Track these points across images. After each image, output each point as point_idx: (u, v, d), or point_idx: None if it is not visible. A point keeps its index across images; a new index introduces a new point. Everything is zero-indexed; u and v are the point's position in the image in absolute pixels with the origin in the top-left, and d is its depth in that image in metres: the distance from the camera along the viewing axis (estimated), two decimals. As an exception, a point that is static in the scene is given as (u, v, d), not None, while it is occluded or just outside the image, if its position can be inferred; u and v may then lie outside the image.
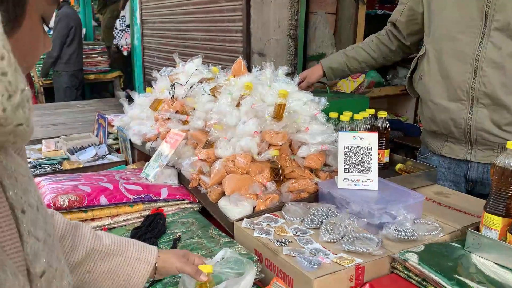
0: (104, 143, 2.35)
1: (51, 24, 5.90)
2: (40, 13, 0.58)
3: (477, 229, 1.16)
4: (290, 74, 1.83)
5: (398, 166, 1.69)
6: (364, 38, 3.11)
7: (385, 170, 1.66)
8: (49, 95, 5.79)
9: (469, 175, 1.65)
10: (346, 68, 1.98)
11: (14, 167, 0.56)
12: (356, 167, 1.38)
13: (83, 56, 6.08)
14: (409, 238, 1.16)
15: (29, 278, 0.54)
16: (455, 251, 1.12)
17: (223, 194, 1.40)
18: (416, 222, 1.24)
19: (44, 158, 2.22)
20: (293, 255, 1.08)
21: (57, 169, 2.04)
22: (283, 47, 2.92)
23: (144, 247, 0.98)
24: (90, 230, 0.94)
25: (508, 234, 1.07)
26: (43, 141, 2.43)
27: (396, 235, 1.16)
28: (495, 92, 1.49)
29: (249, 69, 1.85)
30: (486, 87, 1.50)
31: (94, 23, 7.68)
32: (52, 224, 0.65)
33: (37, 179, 1.57)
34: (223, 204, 1.36)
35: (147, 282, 0.97)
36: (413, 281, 1.05)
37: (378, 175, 1.39)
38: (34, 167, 2.07)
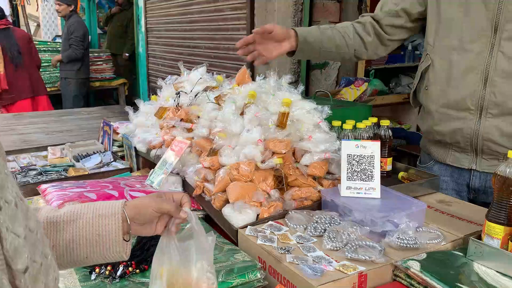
0: (109, 150, 2.37)
1: (58, 32, 5.98)
2: None
3: (479, 237, 1.17)
4: (294, 83, 1.85)
5: (401, 174, 1.71)
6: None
7: (387, 178, 1.67)
8: (56, 101, 5.85)
9: (471, 184, 1.66)
10: (319, 47, 1.74)
11: None
12: (359, 175, 1.39)
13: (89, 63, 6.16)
14: (412, 246, 1.17)
15: (12, 274, 0.54)
16: (457, 259, 1.13)
17: (227, 201, 1.41)
18: (418, 230, 1.25)
19: (49, 165, 2.24)
20: (297, 262, 1.09)
21: (63, 176, 2.06)
22: (286, 56, 2.95)
23: (107, 203, 0.89)
24: (48, 209, 0.88)
25: (510, 242, 1.08)
26: (48, 148, 2.46)
27: (399, 243, 1.17)
28: (505, 102, 1.49)
29: (253, 77, 1.87)
30: (496, 97, 1.49)
31: (99, 31, 7.76)
32: (35, 219, 0.63)
33: (43, 186, 1.59)
34: (227, 211, 1.38)
35: (134, 238, 0.92)
36: (415, 289, 1.06)
37: (381, 183, 1.40)
38: (40, 174, 2.09)
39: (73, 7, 5.49)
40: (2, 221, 0.54)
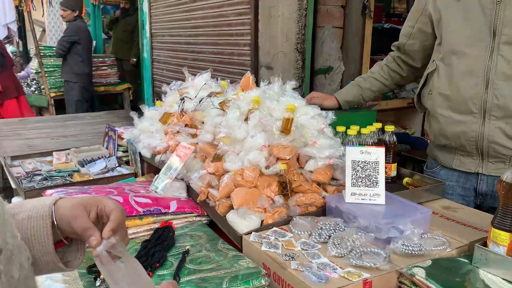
0: (114, 155, 2.38)
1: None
2: None
3: (485, 244, 1.16)
4: (298, 88, 1.85)
5: (406, 180, 1.70)
6: (371, 52, 3.16)
7: (392, 184, 1.66)
8: (60, 106, 5.88)
9: (479, 189, 1.66)
10: (361, 98, 1.98)
11: None
12: (364, 181, 1.39)
13: (93, 68, 6.19)
14: (417, 253, 1.16)
15: None
16: (462, 266, 1.12)
17: (231, 207, 1.41)
18: (423, 236, 1.25)
19: (54, 170, 2.25)
20: (301, 269, 1.09)
21: (68, 181, 2.07)
22: (290, 61, 2.95)
23: (40, 201, 0.78)
24: None
25: (516, 249, 1.07)
26: (53, 153, 2.47)
27: (404, 249, 1.17)
28: (508, 104, 1.50)
29: (257, 82, 1.88)
30: (498, 99, 1.51)
31: (104, 36, 7.80)
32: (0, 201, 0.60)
33: (48, 192, 1.60)
34: (231, 217, 1.38)
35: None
36: (421, 296, 1.06)
37: (386, 189, 1.40)
38: (45, 179, 2.10)
39: (77, 12, 5.53)
40: None
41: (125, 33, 6.69)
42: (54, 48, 5.72)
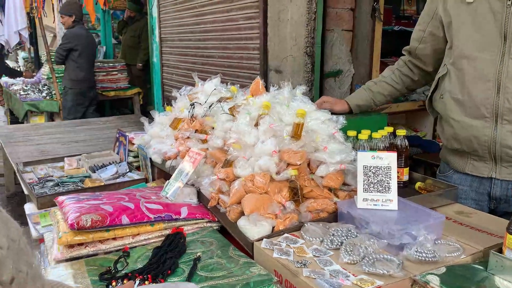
0: (125, 160, 2.39)
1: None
2: None
3: (500, 250, 1.14)
4: (308, 92, 1.84)
5: (418, 184, 1.68)
6: (381, 55, 3.14)
7: (404, 189, 1.65)
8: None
9: (492, 193, 1.63)
10: (372, 103, 1.96)
11: None
12: (376, 186, 1.38)
13: (103, 73, 6.22)
14: (430, 259, 1.15)
15: None
16: (477, 273, 1.11)
17: (242, 213, 1.41)
18: (437, 243, 1.23)
19: (66, 176, 2.27)
20: (313, 276, 1.08)
21: (79, 187, 2.08)
22: (300, 64, 2.94)
23: None
24: None
25: (533, 256, 1.05)
26: (65, 159, 2.49)
27: (417, 256, 1.15)
28: None
29: (266, 86, 1.87)
30: (510, 104, 1.49)
31: (114, 41, 7.86)
32: (16, 227, 0.63)
33: (60, 198, 1.61)
34: (242, 223, 1.37)
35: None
36: (435, 304, 1.04)
37: (398, 194, 1.38)
38: (57, 184, 2.11)
39: (74, 17, 5.53)
40: None
41: (133, 39, 6.73)
42: None
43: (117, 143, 2.58)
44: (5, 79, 6.74)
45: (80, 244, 1.37)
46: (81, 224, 1.34)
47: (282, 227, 1.34)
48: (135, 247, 1.42)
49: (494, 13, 1.49)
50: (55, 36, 8.48)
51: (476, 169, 1.65)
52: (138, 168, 2.32)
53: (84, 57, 5.58)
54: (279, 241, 1.28)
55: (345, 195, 1.49)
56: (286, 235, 1.32)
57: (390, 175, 1.38)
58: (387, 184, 1.38)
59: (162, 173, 2.06)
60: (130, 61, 6.72)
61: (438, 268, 1.11)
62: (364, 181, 1.39)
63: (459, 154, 1.70)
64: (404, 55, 1.92)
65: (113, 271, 1.25)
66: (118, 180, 2.16)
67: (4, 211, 0.62)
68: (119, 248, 1.39)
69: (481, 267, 1.13)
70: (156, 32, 5.08)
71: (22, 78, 6.61)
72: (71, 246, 1.36)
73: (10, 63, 9.69)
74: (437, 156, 1.92)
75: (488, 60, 1.51)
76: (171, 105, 2.23)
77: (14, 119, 6.55)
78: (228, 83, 2.15)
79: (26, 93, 5.99)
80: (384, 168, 1.38)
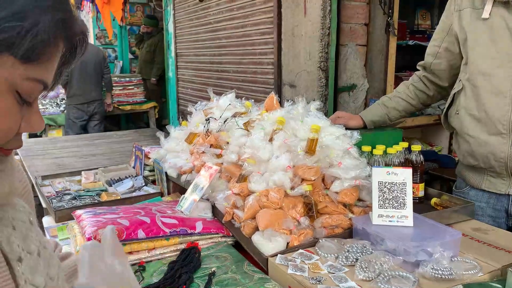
0: (141, 174, 2.42)
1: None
2: (11, 87, 0.55)
3: (519, 269, 1.13)
4: (322, 107, 1.85)
5: (434, 200, 1.67)
6: (396, 69, 3.14)
7: (420, 205, 1.64)
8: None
9: (510, 210, 1.61)
10: (387, 118, 1.96)
11: (12, 216, 0.57)
12: (391, 203, 1.37)
13: (120, 88, 6.32)
14: (447, 277, 1.14)
15: None
16: (495, 292, 1.09)
17: (256, 228, 1.41)
18: (453, 260, 1.22)
19: (83, 190, 2.30)
20: (328, 293, 1.08)
21: (96, 201, 2.11)
22: (314, 79, 2.96)
23: None
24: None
25: (552, 275, 1.04)
26: (82, 172, 2.52)
27: (433, 273, 1.14)
28: None
29: (281, 101, 1.88)
30: None
31: (130, 56, 8.00)
32: (58, 265, 0.63)
33: (78, 212, 1.63)
34: (256, 239, 1.38)
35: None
36: (452, 323, 1.03)
37: (413, 210, 1.37)
38: (74, 198, 2.14)
39: None
40: (21, 273, 0.54)
41: (148, 53, 6.85)
42: None
43: (134, 157, 2.61)
44: (24, 93, 6.88)
45: (97, 258, 1.38)
46: (98, 238, 1.36)
47: (297, 243, 1.34)
48: (151, 261, 1.43)
49: (510, 30, 1.49)
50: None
51: (493, 185, 1.63)
52: (154, 182, 2.34)
53: (75, 71, 5.46)
54: (294, 257, 1.28)
55: (360, 211, 1.49)
56: (300, 251, 1.32)
57: (405, 191, 1.37)
58: (402, 200, 1.37)
59: (177, 187, 2.08)
60: (146, 76, 6.84)
61: (455, 286, 1.10)
62: (379, 197, 1.39)
63: (475, 170, 1.68)
64: (418, 70, 1.92)
65: (129, 285, 1.26)
66: (134, 194, 2.19)
67: (49, 248, 0.63)
68: (135, 262, 1.41)
69: (499, 286, 1.11)
70: (172, 47, 5.16)
71: (41, 93, 6.74)
72: (88, 259, 1.37)
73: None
74: (453, 171, 1.90)
75: (504, 77, 1.51)
76: (187, 120, 2.26)
77: (32, 133, 6.67)
78: (243, 98, 2.17)
79: (44, 107, 6.12)
80: (399, 184, 1.38)
